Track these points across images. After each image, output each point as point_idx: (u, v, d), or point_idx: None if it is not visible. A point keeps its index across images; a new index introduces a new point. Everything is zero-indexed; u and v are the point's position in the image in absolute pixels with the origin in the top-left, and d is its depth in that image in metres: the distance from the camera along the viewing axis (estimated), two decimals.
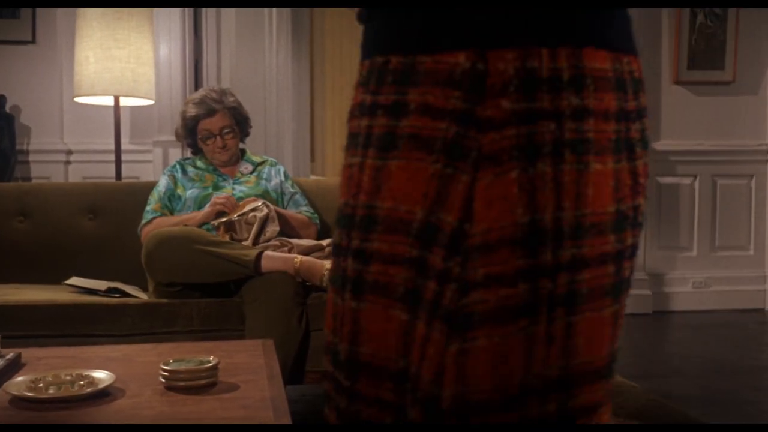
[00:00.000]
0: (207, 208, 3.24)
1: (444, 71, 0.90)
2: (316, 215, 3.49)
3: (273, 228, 3.20)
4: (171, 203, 3.37)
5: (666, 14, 5.32)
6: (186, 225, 3.19)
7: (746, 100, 5.47)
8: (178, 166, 3.48)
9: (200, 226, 3.21)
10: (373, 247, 0.92)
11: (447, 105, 0.90)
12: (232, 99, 3.45)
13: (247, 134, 3.56)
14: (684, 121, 5.40)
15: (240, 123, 3.47)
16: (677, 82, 5.37)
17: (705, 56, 5.36)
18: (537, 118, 0.89)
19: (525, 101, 0.89)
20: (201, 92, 3.47)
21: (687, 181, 5.43)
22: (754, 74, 5.45)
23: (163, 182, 3.42)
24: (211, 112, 3.38)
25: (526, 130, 0.89)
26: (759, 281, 5.51)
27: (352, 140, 0.99)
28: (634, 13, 4.95)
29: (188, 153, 4.33)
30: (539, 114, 0.89)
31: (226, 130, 3.40)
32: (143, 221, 3.34)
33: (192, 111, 3.40)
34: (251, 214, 3.16)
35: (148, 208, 3.36)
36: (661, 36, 5.33)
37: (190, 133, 3.44)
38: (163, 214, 3.34)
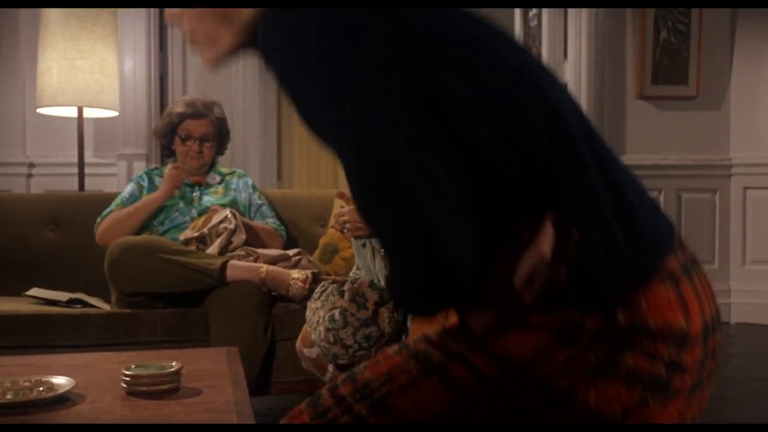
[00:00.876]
0: (162, 186, 3.24)
1: (670, 330, 1.14)
2: (282, 227, 3.47)
3: (240, 237, 3.17)
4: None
5: (630, 30, 5.37)
6: (149, 230, 3.19)
7: (709, 115, 5.53)
8: (145, 176, 3.44)
9: (159, 230, 3.20)
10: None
11: (665, 355, 1.14)
12: (219, 111, 3.47)
13: (222, 152, 3.55)
14: (648, 136, 5.44)
15: (221, 136, 3.48)
16: (642, 97, 5.42)
17: (669, 71, 5.42)
18: (708, 358, 1.21)
19: (704, 348, 1.19)
20: (192, 95, 3.53)
21: (652, 195, 5.47)
22: (717, 89, 5.52)
23: (128, 189, 3.39)
24: (198, 115, 3.38)
25: (701, 371, 1.19)
26: (724, 295, 5.54)
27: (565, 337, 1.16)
28: (598, 28, 4.94)
29: (152, 165, 4.31)
30: (708, 354, 1.21)
31: (206, 138, 3.39)
32: (99, 219, 3.31)
33: (180, 108, 3.41)
34: (221, 225, 3.14)
35: (107, 209, 3.32)
36: (626, 51, 5.38)
37: (170, 131, 3.41)
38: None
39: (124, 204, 3.33)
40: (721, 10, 5.41)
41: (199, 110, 3.39)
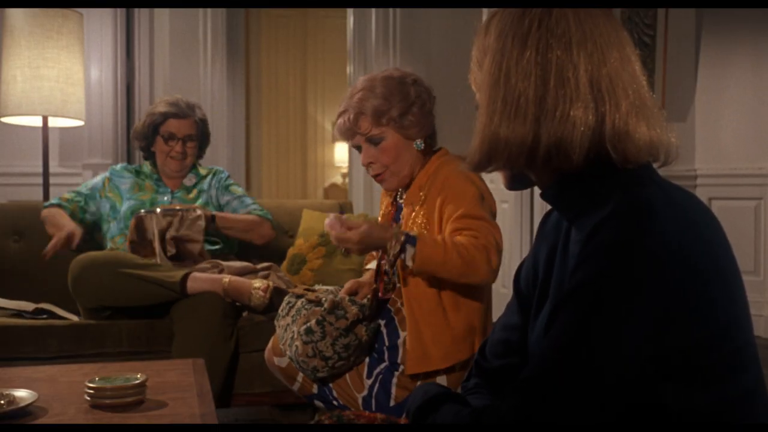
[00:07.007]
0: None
1: None
2: (267, 211, 3.43)
3: (193, 246, 3.14)
4: (87, 203, 3.37)
5: None
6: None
7: (675, 127, 5.48)
8: (123, 168, 3.47)
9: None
10: None
11: None
12: (201, 112, 3.45)
13: (201, 155, 3.51)
14: None
15: (203, 138, 3.45)
16: None
17: None
18: None
19: None
20: (174, 96, 3.47)
21: None
22: (682, 102, 5.57)
23: (97, 180, 3.43)
24: (182, 115, 3.35)
25: None
26: None
27: None
28: None
29: None
30: None
31: (189, 139, 3.36)
32: (53, 200, 3.37)
33: (163, 108, 3.37)
34: (196, 212, 3.14)
35: (65, 194, 3.38)
36: None
37: (152, 131, 3.37)
38: (69, 204, 3.33)
39: (80, 193, 3.38)
40: (686, 22, 5.47)
41: (183, 110, 3.36)
